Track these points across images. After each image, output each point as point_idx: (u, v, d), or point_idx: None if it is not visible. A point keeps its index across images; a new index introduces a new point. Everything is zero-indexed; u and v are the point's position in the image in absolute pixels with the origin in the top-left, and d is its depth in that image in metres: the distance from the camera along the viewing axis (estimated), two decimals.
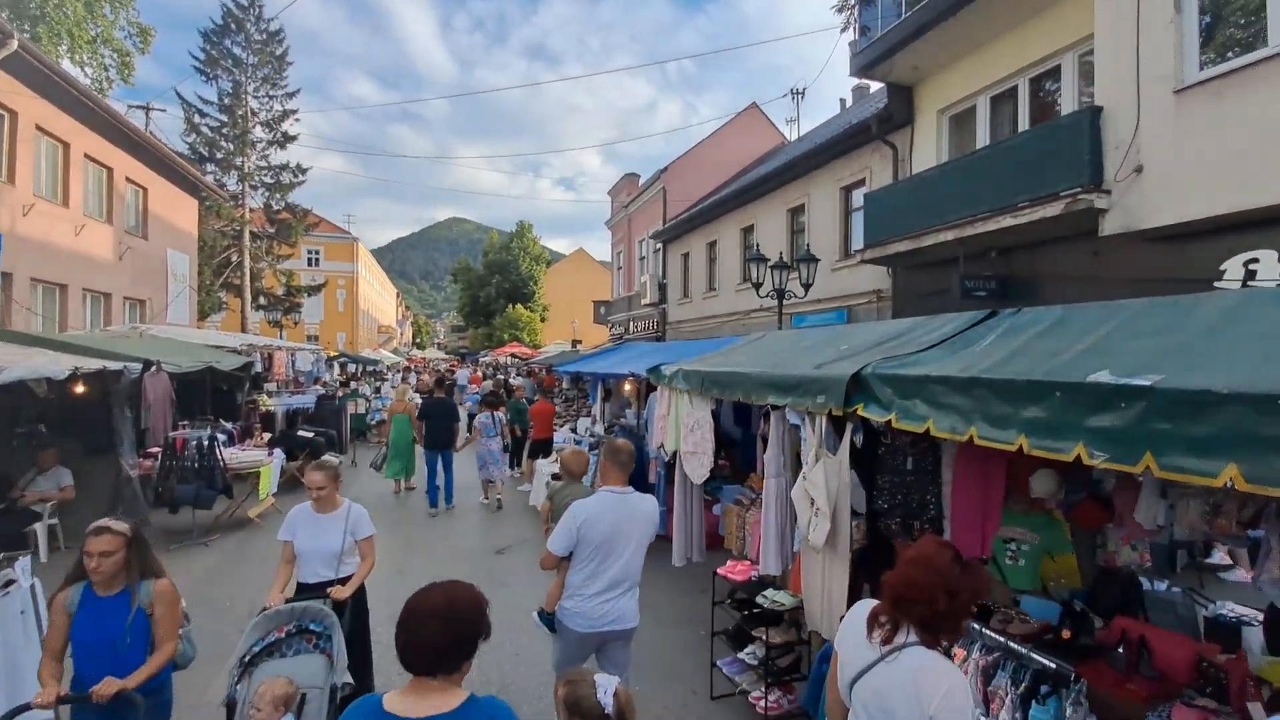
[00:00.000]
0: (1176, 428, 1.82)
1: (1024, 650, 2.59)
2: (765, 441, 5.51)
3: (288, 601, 3.31)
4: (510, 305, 47.03)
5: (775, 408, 3.62)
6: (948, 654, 2.02)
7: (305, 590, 3.76)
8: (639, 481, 8.04)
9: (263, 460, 7.96)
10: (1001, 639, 2.66)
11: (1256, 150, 5.68)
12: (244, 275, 25.43)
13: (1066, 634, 2.70)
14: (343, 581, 3.74)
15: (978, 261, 8.84)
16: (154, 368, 7.29)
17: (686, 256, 20.24)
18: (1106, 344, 2.41)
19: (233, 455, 7.78)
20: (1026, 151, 7.61)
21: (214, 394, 11.00)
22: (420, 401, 11.25)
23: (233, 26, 25.41)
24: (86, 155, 13.13)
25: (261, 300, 27.59)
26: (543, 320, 48.70)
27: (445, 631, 1.77)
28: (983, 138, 9.58)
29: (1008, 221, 7.69)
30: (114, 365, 6.78)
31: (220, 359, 9.88)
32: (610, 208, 29.08)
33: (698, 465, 4.75)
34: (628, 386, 8.66)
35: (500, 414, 10.44)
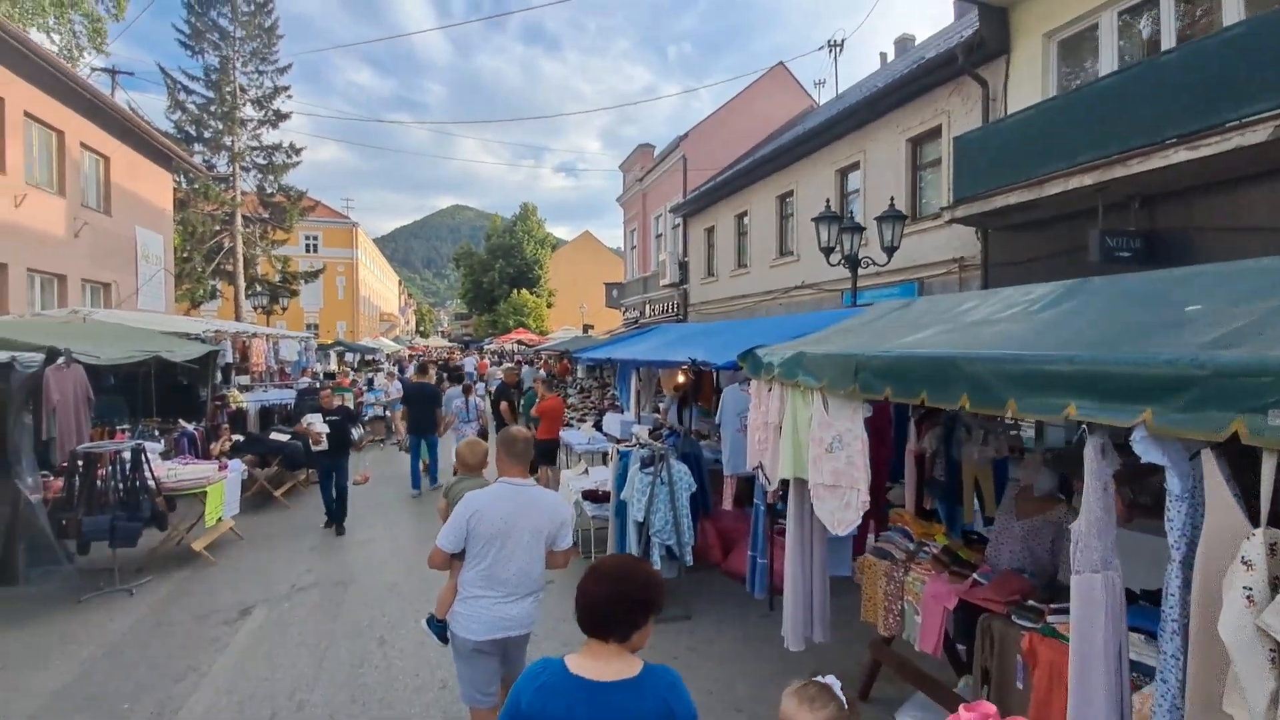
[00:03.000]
0: None
1: None
2: (921, 461, 3.71)
3: None
4: (515, 290, 45.24)
5: (1092, 429, 1.81)
6: None
7: None
8: (700, 504, 6.24)
9: (210, 476, 6.17)
10: None
11: None
12: (236, 261, 24.09)
13: None
14: None
15: (1115, 214, 7.01)
16: (61, 359, 5.54)
17: (711, 231, 18.36)
18: None
19: (170, 471, 6.02)
20: (1207, 62, 5.73)
21: (172, 390, 9.28)
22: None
23: None
24: (27, 114, 11.31)
25: (257, 287, 26.07)
26: (549, 305, 46.91)
27: (614, 595, 1.77)
28: (1108, 64, 7.69)
29: (1180, 155, 5.83)
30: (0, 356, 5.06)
31: (173, 347, 8.12)
32: (622, 183, 27.16)
33: (840, 506, 2.94)
34: (681, 378, 6.84)
35: (475, 399, 10.29)
